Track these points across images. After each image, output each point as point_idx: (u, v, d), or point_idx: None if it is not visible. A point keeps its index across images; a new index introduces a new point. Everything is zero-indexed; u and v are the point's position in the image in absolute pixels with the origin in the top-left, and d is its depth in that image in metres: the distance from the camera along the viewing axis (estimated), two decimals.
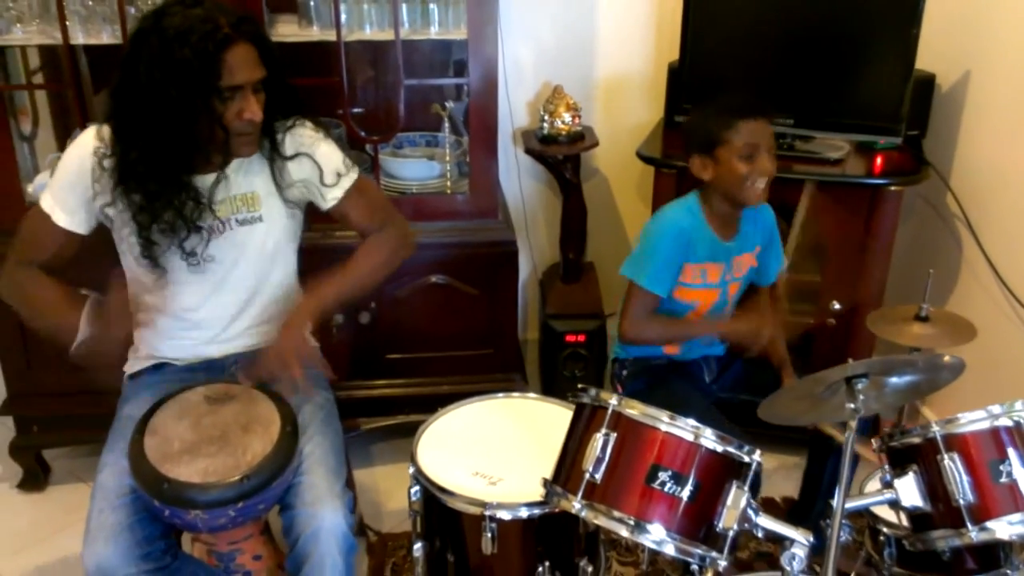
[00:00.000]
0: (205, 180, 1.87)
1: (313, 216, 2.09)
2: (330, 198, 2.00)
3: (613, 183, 3.36)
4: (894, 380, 1.63)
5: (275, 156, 1.93)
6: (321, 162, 1.97)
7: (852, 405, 1.54)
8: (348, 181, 2.01)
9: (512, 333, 2.87)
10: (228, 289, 1.97)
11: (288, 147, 1.94)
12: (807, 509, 2.28)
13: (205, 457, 1.73)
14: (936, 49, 2.73)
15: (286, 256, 2.04)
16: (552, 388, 3.05)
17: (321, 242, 2.35)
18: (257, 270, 1.99)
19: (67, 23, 2.37)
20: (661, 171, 2.73)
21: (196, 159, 1.84)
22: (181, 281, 1.93)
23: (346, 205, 2.02)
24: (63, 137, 2.77)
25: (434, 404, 2.05)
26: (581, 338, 3.02)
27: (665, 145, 2.86)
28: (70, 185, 1.85)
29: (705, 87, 2.74)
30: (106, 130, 1.81)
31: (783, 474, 2.80)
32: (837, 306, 2.66)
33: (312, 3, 2.53)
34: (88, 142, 1.84)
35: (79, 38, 2.43)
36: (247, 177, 1.93)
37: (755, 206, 2.14)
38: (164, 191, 1.80)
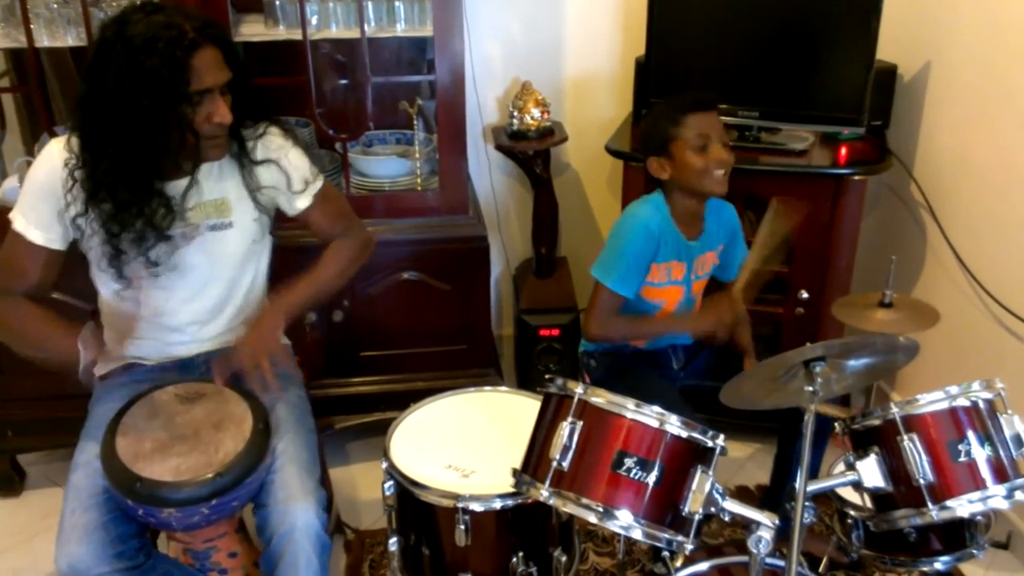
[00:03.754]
0: (176, 186, 1.88)
1: (282, 218, 2.10)
2: (298, 205, 2.03)
3: (583, 177, 3.38)
4: (852, 363, 1.66)
5: (245, 160, 1.95)
6: (289, 169, 1.99)
7: (811, 388, 1.56)
8: (315, 188, 2.04)
9: (486, 328, 2.89)
10: (201, 294, 1.98)
11: (258, 152, 1.96)
12: (778, 494, 2.31)
13: (177, 455, 1.74)
14: (897, 40, 2.77)
15: (256, 260, 2.06)
16: (528, 382, 3.07)
17: (291, 243, 2.35)
18: (228, 275, 2.00)
19: (31, 26, 2.37)
20: (630, 165, 2.76)
21: (166, 165, 1.84)
22: (151, 286, 1.93)
23: (312, 212, 2.05)
24: (31, 141, 2.76)
25: (409, 401, 2.06)
26: (555, 332, 3.05)
27: (634, 139, 2.88)
28: (42, 200, 1.84)
29: (671, 81, 2.77)
30: (75, 141, 1.81)
31: (757, 462, 2.83)
32: (804, 295, 2.70)
33: (278, 2, 2.54)
34: (55, 155, 1.83)
35: (44, 41, 2.42)
36: (218, 183, 1.94)
37: (719, 195, 2.16)
38: (135, 199, 1.80)
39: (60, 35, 2.44)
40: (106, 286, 1.96)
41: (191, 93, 1.72)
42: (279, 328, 1.97)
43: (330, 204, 2.09)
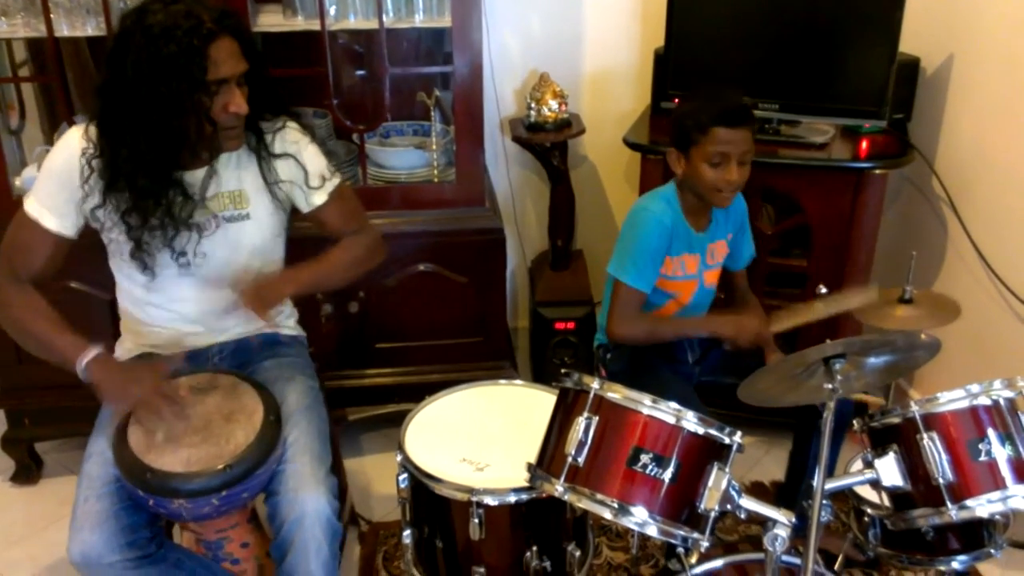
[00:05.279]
0: (195, 175, 1.88)
1: (295, 215, 2.09)
2: (314, 200, 2.03)
3: (601, 170, 3.36)
4: (872, 360, 1.64)
5: (263, 152, 1.95)
6: (307, 165, 1.99)
7: (830, 385, 1.55)
8: (331, 186, 2.04)
9: (501, 321, 2.88)
10: (218, 285, 1.98)
11: (276, 146, 1.96)
12: (793, 490, 2.29)
13: (188, 447, 1.74)
14: (920, 33, 2.73)
15: (273, 252, 2.06)
16: (543, 375, 3.07)
17: (308, 232, 2.34)
18: (245, 266, 1.99)
19: (51, 15, 2.38)
20: (648, 157, 2.74)
21: (185, 155, 1.85)
22: (171, 277, 1.94)
23: (326, 209, 2.04)
24: (50, 130, 2.77)
25: (424, 393, 2.06)
26: (571, 325, 3.04)
27: (652, 131, 2.86)
28: (58, 187, 1.85)
29: (691, 73, 2.75)
30: (93, 130, 1.82)
31: (772, 458, 2.82)
32: (823, 290, 2.67)
33: None
34: (74, 143, 1.84)
35: (63, 30, 2.43)
36: (236, 173, 1.94)
37: (719, 207, 2.17)
38: (154, 188, 1.80)
39: (79, 25, 2.45)
40: (128, 278, 1.97)
41: (208, 82, 1.73)
42: (286, 290, 1.98)
43: (345, 203, 2.09)
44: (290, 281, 1.99)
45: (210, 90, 1.74)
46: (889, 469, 1.66)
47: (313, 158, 2.01)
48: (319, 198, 2.02)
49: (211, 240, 1.93)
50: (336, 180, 2.05)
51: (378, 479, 2.79)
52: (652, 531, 1.53)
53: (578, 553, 1.86)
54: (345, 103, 2.84)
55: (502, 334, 2.89)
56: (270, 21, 2.57)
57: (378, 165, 2.80)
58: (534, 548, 1.81)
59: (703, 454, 1.56)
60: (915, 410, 1.65)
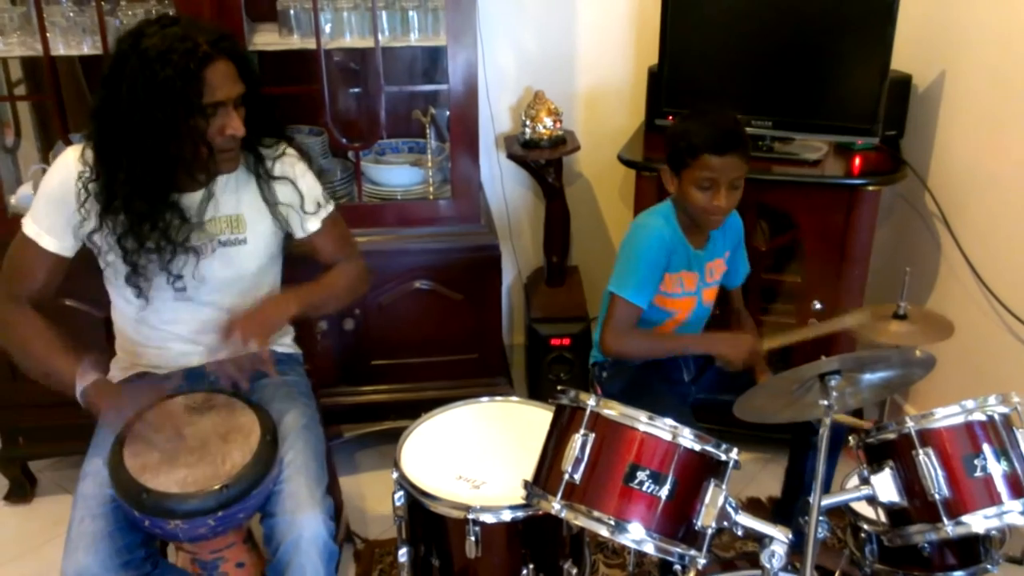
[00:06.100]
0: (192, 198, 1.89)
1: (290, 237, 2.09)
2: (308, 226, 2.03)
3: (595, 187, 3.37)
4: (867, 376, 1.65)
5: (262, 171, 1.95)
6: (303, 190, 2.00)
7: (826, 402, 1.55)
8: (325, 213, 2.05)
9: (497, 337, 2.88)
10: (214, 308, 1.98)
11: (276, 170, 1.97)
12: (790, 507, 2.30)
13: (184, 467, 1.73)
14: (912, 50, 2.75)
15: (271, 275, 2.07)
16: (538, 392, 3.07)
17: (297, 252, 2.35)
18: (242, 290, 1.99)
19: (47, 34, 2.38)
20: (642, 174, 2.75)
21: (181, 177, 1.85)
22: (167, 299, 1.94)
23: (320, 236, 2.05)
24: (46, 149, 2.77)
25: (420, 409, 2.06)
26: (566, 341, 3.04)
27: (646, 148, 2.87)
28: (55, 209, 1.85)
29: (684, 91, 2.76)
30: (89, 153, 1.82)
31: (768, 472, 2.81)
32: (818, 306, 2.67)
33: (292, 12, 2.55)
34: (70, 165, 1.84)
35: (59, 49, 2.44)
36: (234, 196, 1.94)
37: (710, 228, 2.18)
38: (151, 211, 1.80)
39: (75, 44, 2.46)
40: (123, 298, 1.96)
41: (204, 105, 1.73)
42: (284, 316, 1.93)
43: (336, 231, 2.09)
44: (286, 306, 1.94)
45: (206, 113, 1.74)
46: (885, 485, 1.66)
47: (309, 185, 2.02)
48: (313, 224, 2.03)
49: (208, 263, 1.93)
50: (330, 207, 2.06)
51: (374, 497, 2.79)
52: (649, 548, 1.53)
53: (575, 571, 1.85)
54: (341, 121, 2.85)
55: (498, 351, 2.90)
56: (266, 40, 2.58)
57: (373, 182, 2.81)
58: (531, 566, 1.80)
59: (700, 471, 1.56)
60: (911, 426, 1.65)
